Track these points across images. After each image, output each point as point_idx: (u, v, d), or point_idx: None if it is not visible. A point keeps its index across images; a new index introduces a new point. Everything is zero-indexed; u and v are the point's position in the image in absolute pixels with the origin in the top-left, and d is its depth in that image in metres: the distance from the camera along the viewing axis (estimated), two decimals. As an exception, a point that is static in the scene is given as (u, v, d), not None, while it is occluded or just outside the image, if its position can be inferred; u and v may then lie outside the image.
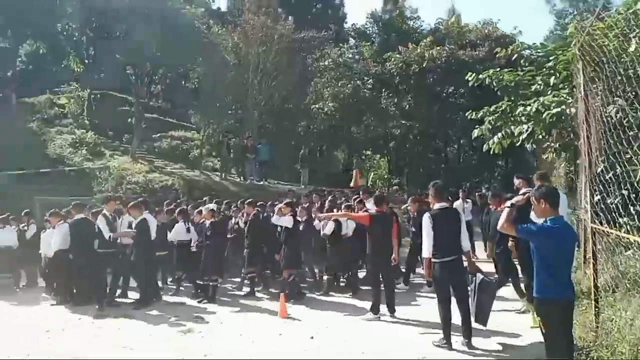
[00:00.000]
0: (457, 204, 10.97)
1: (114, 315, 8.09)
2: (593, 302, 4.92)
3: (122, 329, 7.36)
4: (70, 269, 8.74)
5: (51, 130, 21.94)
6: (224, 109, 22.33)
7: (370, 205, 8.70)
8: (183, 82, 28.84)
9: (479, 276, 5.76)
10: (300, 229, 8.93)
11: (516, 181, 7.12)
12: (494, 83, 9.69)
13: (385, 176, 26.57)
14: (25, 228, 10.75)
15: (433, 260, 5.71)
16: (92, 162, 19.46)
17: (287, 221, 8.63)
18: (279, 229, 8.99)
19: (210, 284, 8.81)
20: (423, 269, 7.12)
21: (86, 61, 23.61)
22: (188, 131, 24.83)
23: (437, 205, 5.87)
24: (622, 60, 5.11)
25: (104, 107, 24.18)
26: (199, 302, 8.73)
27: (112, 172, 17.98)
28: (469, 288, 5.79)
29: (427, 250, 5.77)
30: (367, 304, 7.29)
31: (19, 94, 24.61)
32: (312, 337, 6.45)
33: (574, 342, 4.15)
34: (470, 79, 10.11)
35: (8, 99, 23.96)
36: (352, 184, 18.51)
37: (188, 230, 9.37)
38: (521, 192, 6.08)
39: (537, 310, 4.24)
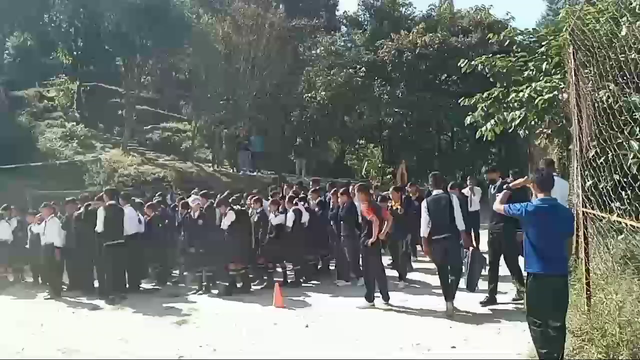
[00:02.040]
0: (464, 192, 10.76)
1: (109, 308, 8.10)
2: (584, 285, 4.95)
3: (117, 321, 7.35)
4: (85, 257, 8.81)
5: (41, 124, 21.65)
6: (216, 100, 22.11)
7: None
8: (174, 73, 28.55)
9: (471, 249, 6.97)
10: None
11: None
12: (487, 69, 9.66)
13: (379, 165, 26.57)
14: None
15: (431, 238, 6.60)
16: (83, 155, 19.26)
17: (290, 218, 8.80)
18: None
19: (205, 274, 8.81)
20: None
21: (75, 53, 23.20)
22: (179, 122, 24.64)
23: (434, 192, 6.82)
24: (613, 44, 5.10)
25: (94, 99, 23.86)
26: (193, 293, 8.73)
27: (103, 165, 17.83)
28: (463, 261, 6.97)
29: (424, 230, 6.66)
30: (362, 293, 7.31)
31: (7, 87, 24.26)
32: (306, 326, 6.49)
33: (563, 321, 4.31)
34: (462, 65, 10.08)
35: (-4, 93, 23.62)
36: (397, 178, 17.94)
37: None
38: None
39: (525, 284, 4.63)
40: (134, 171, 17.80)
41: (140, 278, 9.29)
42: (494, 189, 6.83)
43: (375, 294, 7.20)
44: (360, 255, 7.73)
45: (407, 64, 22.07)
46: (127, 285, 8.94)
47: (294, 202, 9.10)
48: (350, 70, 21.72)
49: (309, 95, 21.60)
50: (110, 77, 23.60)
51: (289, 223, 8.85)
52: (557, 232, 4.40)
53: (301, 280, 8.99)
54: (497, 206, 4.91)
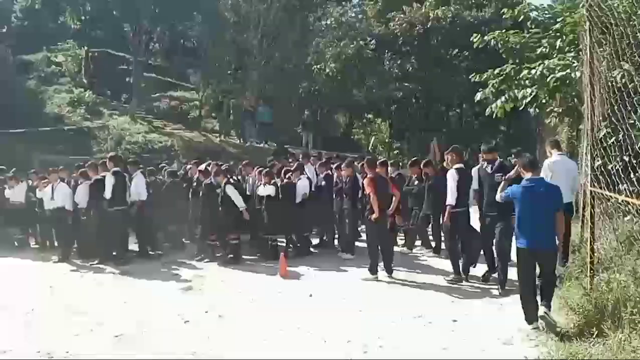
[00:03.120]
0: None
1: (116, 273, 8.24)
2: (588, 264, 4.98)
3: (123, 285, 7.49)
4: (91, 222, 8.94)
5: (49, 89, 21.62)
6: (224, 69, 21.98)
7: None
8: (182, 41, 28.27)
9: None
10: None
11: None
12: (499, 45, 9.53)
13: (387, 140, 26.46)
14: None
15: (454, 210, 6.72)
16: (91, 121, 19.29)
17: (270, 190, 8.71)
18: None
19: (211, 243, 8.92)
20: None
21: (83, 17, 22.99)
22: (187, 91, 24.52)
23: (456, 165, 6.89)
24: (631, 22, 4.99)
25: (102, 65, 23.72)
26: (198, 260, 8.84)
27: (111, 131, 17.88)
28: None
29: (452, 199, 6.73)
30: (367, 265, 7.39)
31: (15, 52, 24.15)
32: (310, 295, 6.58)
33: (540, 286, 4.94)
34: (475, 40, 9.93)
35: (4, 57, 23.50)
36: (430, 157, 17.59)
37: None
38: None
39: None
40: (141, 139, 17.85)
41: (149, 244, 9.42)
42: (491, 168, 6.54)
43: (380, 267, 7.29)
44: (365, 229, 7.77)
45: (418, 37, 21.76)
46: (137, 251, 9.11)
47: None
48: (361, 42, 21.40)
49: (318, 66, 21.35)
50: (118, 43, 23.38)
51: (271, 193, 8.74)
52: (543, 207, 4.80)
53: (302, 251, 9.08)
54: (497, 196, 5.46)
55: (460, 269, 6.94)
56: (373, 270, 7.24)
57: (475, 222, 7.06)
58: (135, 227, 9.27)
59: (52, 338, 5.29)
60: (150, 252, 9.25)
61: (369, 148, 26.35)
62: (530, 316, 4.89)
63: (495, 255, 6.53)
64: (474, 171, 6.81)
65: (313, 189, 9.39)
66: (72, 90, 21.49)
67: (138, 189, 8.94)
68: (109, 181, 8.53)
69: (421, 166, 8.88)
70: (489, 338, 4.85)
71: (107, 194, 8.50)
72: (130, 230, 9.29)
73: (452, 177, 6.80)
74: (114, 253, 8.73)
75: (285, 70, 21.82)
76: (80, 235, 9.37)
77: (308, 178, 9.39)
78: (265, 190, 8.75)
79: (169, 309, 6.16)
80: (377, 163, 7.73)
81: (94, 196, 8.83)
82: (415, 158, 9.92)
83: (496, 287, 6.42)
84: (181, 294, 6.92)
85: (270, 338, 5.11)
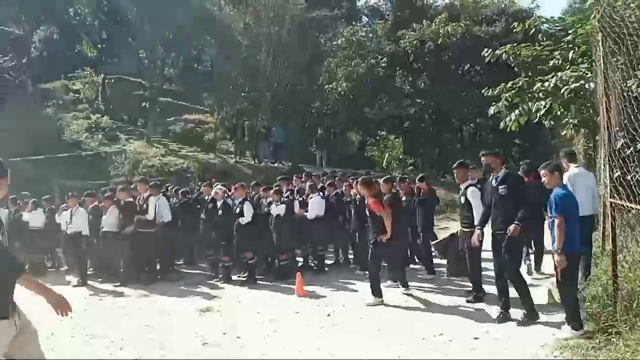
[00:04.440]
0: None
1: (134, 295, 8.29)
2: (612, 277, 4.87)
3: (142, 308, 7.52)
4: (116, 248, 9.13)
5: (67, 116, 22.15)
6: (237, 91, 22.31)
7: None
8: (195, 65, 28.80)
9: None
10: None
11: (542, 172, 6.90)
12: (511, 59, 9.50)
13: (401, 157, 26.39)
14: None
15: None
16: (108, 146, 19.65)
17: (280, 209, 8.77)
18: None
19: (226, 264, 8.93)
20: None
21: (99, 46, 23.68)
22: (202, 114, 24.88)
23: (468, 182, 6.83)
24: (644, 31, 4.95)
25: (118, 91, 24.30)
26: (216, 281, 8.87)
27: (128, 156, 18.17)
28: None
29: (477, 219, 6.21)
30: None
31: (34, 81, 24.84)
32: (328, 315, 6.53)
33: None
34: (486, 55, 9.92)
35: (24, 85, 24.18)
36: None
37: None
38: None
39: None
40: (157, 162, 18.11)
41: (170, 265, 9.54)
42: (496, 180, 5.76)
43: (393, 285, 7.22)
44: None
45: (429, 54, 21.81)
46: (159, 272, 9.27)
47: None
48: (372, 61, 21.58)
49: (330, 86, 21.54)
50: (133, 69, 23.92)
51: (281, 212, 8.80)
52: (577, 215, 5.00)
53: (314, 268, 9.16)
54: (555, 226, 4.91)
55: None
56: (377, 293, 6.99)
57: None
58: (158, 249, 9.36)
59: (72, 363, 5.31)
60: (170, 273, 9.35)
61: (383, 164, 26.30)
62: (579, 320, 4.91)
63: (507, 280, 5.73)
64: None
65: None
66: (90, 116, 21.97)
67: (162, 210, 9.09)
68: (152, 202, 8.76)
69: (417, 181, 9.00)
70: (513, 354, 4.75)
71: (150, 214, 8.79)
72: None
73: (472, 195, 6.53)
74: (141, 274, 8.90)
75: (298, 91, 22.05)
76: (101, 258, 9.50)
77: (322, 196, 9.43)
78: (277, 209, 8.79)
79: (188, 331, 6.15)
80: (383, 181, 7.53)
81: (125, 219, 9.01)
82: (422, 175, 9.79)
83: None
84: (199, 316, 6.92)
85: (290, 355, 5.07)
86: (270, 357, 5.18)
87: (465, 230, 6.62)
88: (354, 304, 7.06)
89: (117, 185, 11.98)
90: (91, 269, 9.92)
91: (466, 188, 6.77)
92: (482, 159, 6.03)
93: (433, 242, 7.87)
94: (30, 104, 22.03)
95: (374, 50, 22.76)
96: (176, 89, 27.18)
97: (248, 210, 8.62)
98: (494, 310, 5.95)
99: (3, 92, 22.41)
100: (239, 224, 8.61)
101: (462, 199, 6.78)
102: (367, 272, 8.62)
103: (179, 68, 25.48)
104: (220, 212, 8.81)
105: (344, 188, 9.68)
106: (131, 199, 9.23)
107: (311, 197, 9.24)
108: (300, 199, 9.53)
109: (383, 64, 21.80)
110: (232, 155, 20.38)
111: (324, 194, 9.69)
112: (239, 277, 8.93)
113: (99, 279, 9.53)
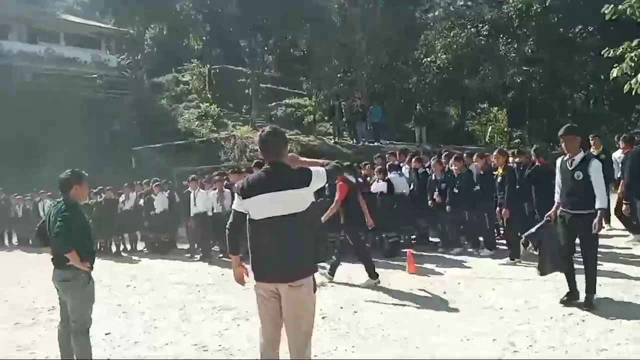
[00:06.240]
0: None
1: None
2: None
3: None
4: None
5: (179, 106, 23.89)
6: (332, 74, 22.53)
7: None
8: (291, 50, 29.46)
9: None
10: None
11: None
12: (637, 13, 8.58)
13: (505, 129, 25.12)
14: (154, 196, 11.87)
15: None
16: (217, 133, 20.89)
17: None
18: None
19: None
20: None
21: (204, 38, 25.08)
22: (300, 98, 25.50)
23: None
24: None
25: (223, 80, 25.69)
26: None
27: (236, 141, 19.20)
28: None
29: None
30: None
31: (149, 75, 27.03)
32: (444, 292, 6.50)
33: None
34: (607, 11, 9.04)
35: (140, 81, 26.43)
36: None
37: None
38: None
39: None
40: (262, 146, 18.89)
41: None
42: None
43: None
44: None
45: (535, 17, 20.34)
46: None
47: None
48: (472, 29, 20.61)
49: (428, 59, 20.95)
50: (235, 58, 25.07)
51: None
52: None
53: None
54: None
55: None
56: (374, 275, 7.08)
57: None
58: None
59: (204, 333, 5.71)
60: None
61: (486, 139, 25.22)
62: None
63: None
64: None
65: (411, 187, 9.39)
66: (199, 105, 23.50)
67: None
68: None
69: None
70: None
71: None
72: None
73: (595, 171, 5.20)
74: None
75: (394, 68, 21.73)
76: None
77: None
78: (378, 186, 8.85)
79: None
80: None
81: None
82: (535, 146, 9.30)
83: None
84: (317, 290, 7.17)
85: (410, 337, 5.12)
86: (389, 333, 5.26)
87: (582, 213, 5.26)
88: (468, 281, 6.95)
89: (228, 169, 12.68)
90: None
91: (583, 161, 5.34)
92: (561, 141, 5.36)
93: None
94: (147, 97, 24.04)
95: (474, 19, 21.69)
96: (275, 74, 28.09)
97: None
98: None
99: (123, 88, 24.70)
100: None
101: (578, 175, 5.25)
102: (479, 250, 8.51)
103: (276, 54, 26.23)
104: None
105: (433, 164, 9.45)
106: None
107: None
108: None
109: (484, 32, 20.76)
110: (331, 137, 20.68)
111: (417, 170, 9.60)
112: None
113: (220, 256, 10.21)
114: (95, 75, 25.12)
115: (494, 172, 8.20)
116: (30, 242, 13.79)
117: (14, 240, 14.89)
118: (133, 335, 5.77)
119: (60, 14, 30.04)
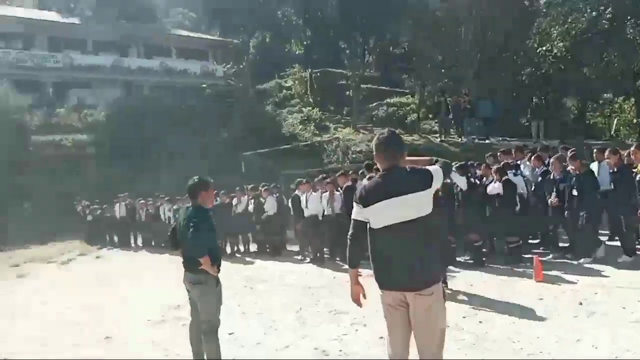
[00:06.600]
0: None
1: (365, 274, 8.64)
2: None
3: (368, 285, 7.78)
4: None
5: (283, 111, 24.58)
6: (437, 69, 21.78)
7: None
8: (391, 48, 29.06)
9: None
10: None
11: None
12: None
13: (633, 121, 22.63)
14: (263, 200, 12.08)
15: None
16: (320, 136, 21.15)
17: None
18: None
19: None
20: None
21: (305, 43, 25.62)
22: (402, 97, 25.03)
23: None
24: None
25: (324, 83, 26.00)
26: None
27: (338, 143, 19.27)
28: None
29: None
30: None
31: (253, 83, 28.17)
32: (580, 303, 5.86)
33: None
34: None
35: (246, 88, 27.64)
36: None
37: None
38: None
39: None
40: (365, 147, 18.77)
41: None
42: None
43: None
44: None
45: (672, -8, 18.03)
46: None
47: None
48: (593, 13, 18.73)
49: (543, 48, 19.42)
50: (336, 61, 25.26)
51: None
52: None
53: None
54: None
55: None
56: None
57: None
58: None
59: (323, 337, 5.64)
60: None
61: (611, 132, 22.91)
62: None
63: None
64: None
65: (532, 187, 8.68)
66: (302, 109, 24.02)
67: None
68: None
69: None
70: None
71: None
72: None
73: None
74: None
75: (504, 59, 20.48)
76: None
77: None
78: (494, 188, 8.23)
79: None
80: None
81: (347, 202, 9.50)
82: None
83: None
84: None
85: (546, 350, 4.65)
86: (521, 346, 4.82)
87: None
88: (607, 290, 6.20)
89: (332, 172, 12.69)
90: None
91: None
92: None
93: None
94: (252, 104, 25.03)
95: (594, 1, 19.73)
96: (375, 74, 27.88)
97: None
98: None
99: (230, 96, 25.98)
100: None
101: None
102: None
103: (375, 53, 26.03)
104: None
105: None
106: (350, 183, 9.60)
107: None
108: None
109: (608, 15, 18.75)
110: (437, 135, 19.97)
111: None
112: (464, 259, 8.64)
113: (337, 258, 10.16)
114: (205, 85, 26.74)
115: (634, 169, 7.32)
116: (153, 243, 14.86)
117: (139, 241, 16.14)
118: (254, 336, 5.88)
119: (171, 29, 32.51)
